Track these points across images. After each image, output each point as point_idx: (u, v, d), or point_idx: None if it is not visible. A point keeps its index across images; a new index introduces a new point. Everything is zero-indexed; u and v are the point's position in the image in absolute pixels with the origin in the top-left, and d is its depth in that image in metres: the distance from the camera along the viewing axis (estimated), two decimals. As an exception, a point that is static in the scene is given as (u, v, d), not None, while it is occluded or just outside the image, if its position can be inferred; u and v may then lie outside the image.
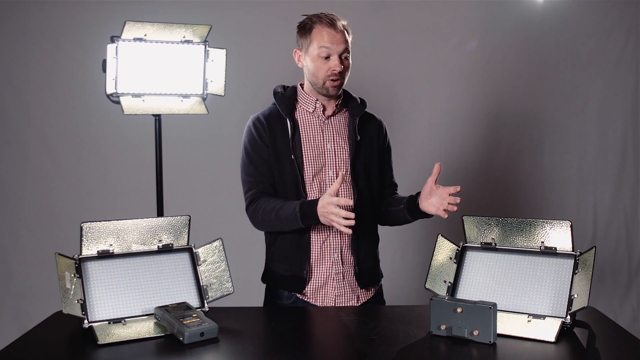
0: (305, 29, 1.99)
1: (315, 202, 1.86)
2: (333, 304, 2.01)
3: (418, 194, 2.00)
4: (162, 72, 2.32)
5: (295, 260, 2.00)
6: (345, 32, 1.97)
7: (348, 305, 2.02)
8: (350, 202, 1.77)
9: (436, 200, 1.90)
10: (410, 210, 2.01)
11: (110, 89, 2.24)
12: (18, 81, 3.41)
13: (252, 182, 2.01)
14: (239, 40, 3.27)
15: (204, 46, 2.36)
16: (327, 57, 1.95)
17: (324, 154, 2.01)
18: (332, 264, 2.01)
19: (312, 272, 2.00)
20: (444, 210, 1.87)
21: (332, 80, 1.96)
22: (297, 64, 2.06)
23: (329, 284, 2.01)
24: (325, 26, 1.94)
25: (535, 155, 3.69)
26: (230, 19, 3.41)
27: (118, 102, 2.27)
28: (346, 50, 1.96)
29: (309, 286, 2.00)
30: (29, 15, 3.38)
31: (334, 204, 1.78)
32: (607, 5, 3.62)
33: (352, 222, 1.76)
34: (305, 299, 2.01)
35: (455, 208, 1.86)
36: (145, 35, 2.26)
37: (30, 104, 3.44)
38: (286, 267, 2.02)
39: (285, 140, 1.99)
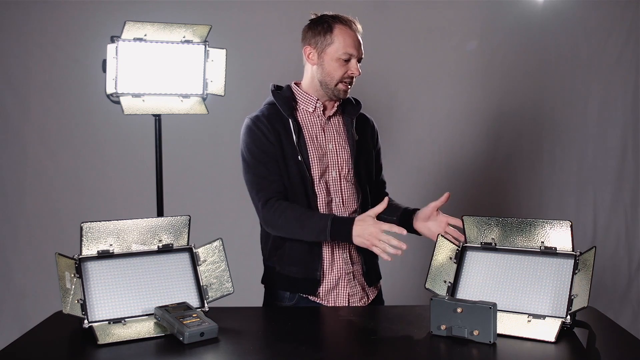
0: (323, 27, 1.96)
1: (349, 220, 1.83)
2: (345, 304, 2.00)
3: (414, 210, 2.02)
4: (162, 72, 2.32)
5: (307, 263, 1.98)
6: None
7: (360, 304, 2.03)
8: (404, 232, 1.75)
9: (434, 225, 1.94)
10: (403, 224, 1.99)
11: (110, 89, 2.24)
12: (18, 81, 3.41)
13: (265, 183, 1.94)
14: (239, 40, 3.27)
15: (204, 46, 2.36)
16: (347, 60, 1.95)
17: (327, 155, 2.01)
18: (342, 264, 2.01)
19: (324, 274, 2.00)
20: (444, 234, 1.89)
21: (346, 83, 1.97)
22: (307, 61, 2.01)
23: (341, 284, 2.01)
24: (347, 28, 1.96)
25: (535, 155, 3.69)
26: (230, 19, 3.41)
27: (118, 102, 2.27)
28: (363, 55, 1.99)
29: (321, 288, 1.99)
30: (29, 15, 3.37)
31: (385, 229, 1.75)
32: (607, 5, 3.62)
33: (400, 252, 1.74)
34: (318, 301, 2.00)
35: (456, 242, 1.85)
36: (145, 35, 2.26)
37: (30, 104, 3.43)
38: (297, 269, 1.99)
39: (290, 141, 1.96)
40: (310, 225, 1.88)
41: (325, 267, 1.99)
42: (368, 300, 2.06)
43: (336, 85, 1.97)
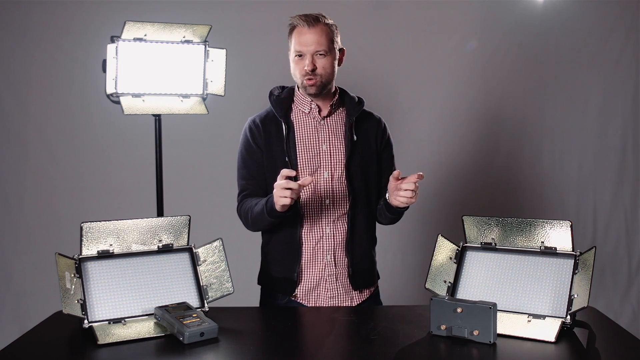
0: (288, 31, 2.00)
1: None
2: (326, 306, 2.00)
3: (385, 197, 1.99)
4: (162, 72, 2.32)
5: (286, 262, 2.00)
6: (324, 30, 1.94)
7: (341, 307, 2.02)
8: (293, 173, 1.77)
9: (391, 193, 1.88)
10: (387, 207, 1.98)
11: (110, 89, 2.24)
12: (18, 81, 3.41)
13: (244, 185, 2.03)
14: (239, 40, 3.27)
15: (204, 46, 2.36)
16: (301, 57, 1.95)
17: (319, 155, 2.00)
18: (324, 266, 2.00)
19: (302, 274, 2.00)
20: (398, 197, 1.84)
21: (307, 79, 1.96)
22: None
23: (322, 285, 2.01)
24: (300, 26, 1.95)
25: (535, 155, 3.69)
26: (230, 19, 3.41)
27: (118, 102, 2.26)
28: (320, 50, 1.93)
29: (299, 288, 2.00)
30: (29, 15, 3.38)
31: (284, 175, 1.76)
32: (607, 5, 3.62)
33: (297, 186, 1.74)
34: (298, 301, 2.01)
35: (408, 194, 1.80)
36: (145, 35, 2.26)
37: (30, 104, 3.44)
38: (278, 268, 2.02)
39: (280, 143, 1.99)
40: (257, 212, 1.92)
41: (303, 267, 1.99)
42: (351, 304, 2.04)
43: (302, 83, 1.98)
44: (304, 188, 1.96)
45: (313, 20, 1.94)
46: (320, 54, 1.94)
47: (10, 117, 3.42)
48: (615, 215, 3.74)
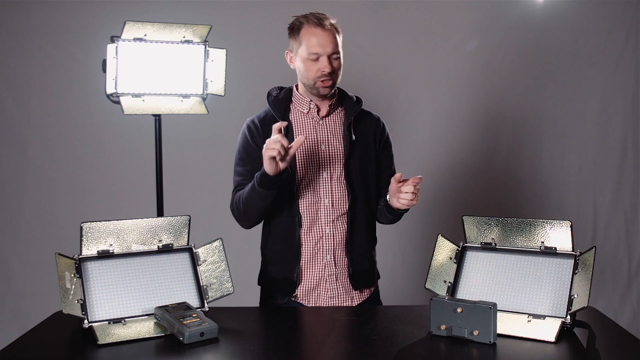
0: (294, 30, 1.97)
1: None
2: (326, 306, 2.00)
3: (386, 198, 2.00)
4: (162, 72, 2.32)
5: (285, 262, 2.00)
6: (334, 31, 1.95)
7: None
8: (285, 124, 1.79)
9: (392, 196, 1.90)
10: (388, 208, 1.99)
11: (110, 89, 2.24)
12: (18, 81, 3.41)
13: (239, 181, 2.02)
14: (239, 40, 3.27)
15: (204, 46, 2.36)
16: (317, 59, 1.93)
17: (318, 155, 2.00)
18: (324, 266, 2.00)
19: (302, 275, 2.00)
20: (399, 200, 1.86)
21: (323, 81, 1.94)
22: (289, 65, 2.04)
23: (322, 285, 2.00)
24: (313, 27, 1.92)
25: (535, 155, 3.69)
26: (230, 19, 3.41)
27: (118, 102, 2.27)
28: (336, 51, 1.94)
29: (299, 289, 2.00)
30: (29, 15, 3.38)
31: (274, 140, 1.76)
32: (607, 5, 3.62)
33: (282, 143, 1.75)
34: (298, 301, 2.01)
35: (409, 196, 1.83)
36: (145, 35, 2.26)
37: (30, 104, 3.44)
38: (277, 269, 2.02)
39: None
40: (248, 190, 1.92)
41: (303, 267, 1.99)
42: (353, 304, 2.04)
43: (314, 84, 1.96)
44: (303, 189, 1.97)
45: (324, 20, 1.94)
46: (336, 55, 1.95)
47: (10, 117, 3.42)
48: (615, 215, 3.74)
